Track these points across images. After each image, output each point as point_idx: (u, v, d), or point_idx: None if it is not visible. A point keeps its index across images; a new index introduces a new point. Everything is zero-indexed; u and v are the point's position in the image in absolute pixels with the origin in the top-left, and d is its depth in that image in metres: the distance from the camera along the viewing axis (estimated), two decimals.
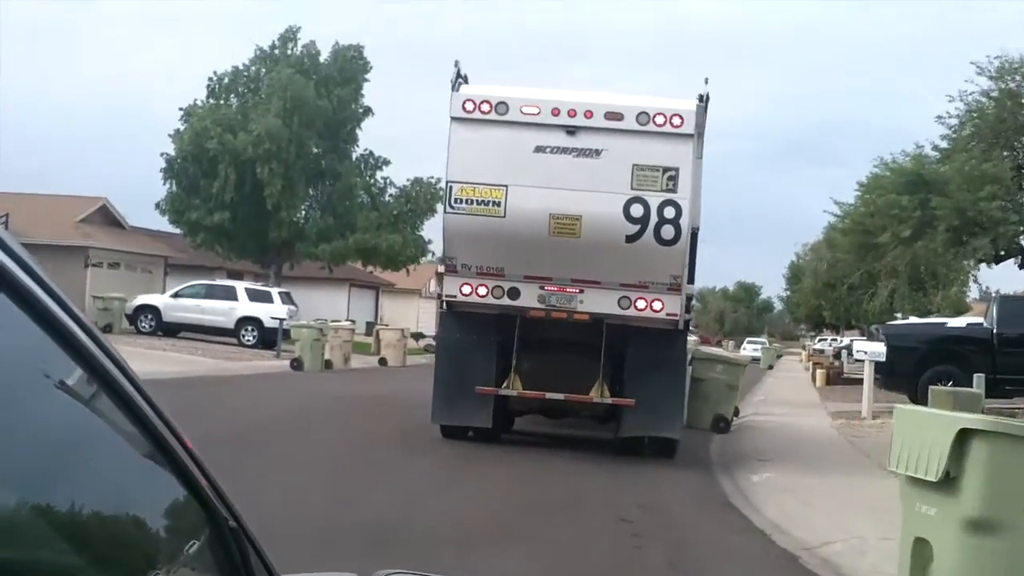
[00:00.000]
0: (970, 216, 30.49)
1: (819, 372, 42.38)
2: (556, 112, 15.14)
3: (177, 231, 49.93)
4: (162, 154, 46.75)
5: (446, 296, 16.02)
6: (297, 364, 31.56)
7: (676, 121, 15.07)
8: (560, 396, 15.87)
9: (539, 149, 15.13)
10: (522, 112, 15.19)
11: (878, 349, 24.37)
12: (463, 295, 15.70)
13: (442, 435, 16.55)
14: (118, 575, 1.45)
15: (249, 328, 39.25)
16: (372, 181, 50.49)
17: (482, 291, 15.59)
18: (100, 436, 1.49)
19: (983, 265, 36.32)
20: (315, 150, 48.20)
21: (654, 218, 14.95)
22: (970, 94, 33.05)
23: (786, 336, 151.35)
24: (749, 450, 16.73)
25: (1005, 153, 33.05)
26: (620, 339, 15.89)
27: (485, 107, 15.23)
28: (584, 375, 15.89)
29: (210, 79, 48.58)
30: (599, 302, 15.46)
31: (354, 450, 15.22)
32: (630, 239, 14.99)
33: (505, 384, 15.97)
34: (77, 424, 1.44)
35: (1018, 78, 32.74)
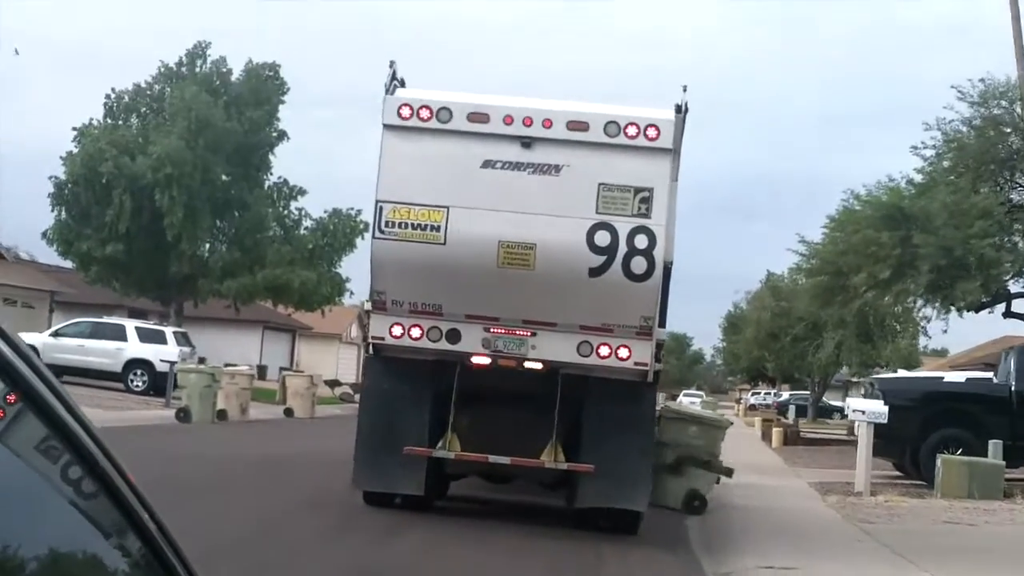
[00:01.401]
0: (958, 256, 28.91)
1: (775, 431, 40.74)
2: (509, 120, 13.56)
3: (69, 264, 47.84)
4: (51, 178, 44.51)
5: (373, 338, 14.31)
6: (184, 415, 29.22)
7: (651, 133, 13.52)
8: (505, 460, 14.25)
9: (488, 164, 13.57)
10: (468, 120, 13.63)
11: (877, 408, 22.16)
12: (393, 337, 14.00)
13: (364, 501, 14.88)
14: None
15: (139, 372, 37.10)
16: (285, 212, 48.52)
17: (416, 333, 13.92)
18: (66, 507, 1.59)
19: (950, 315, 34.59)
20: (223, 177, 46.21)
21: (623, 248, 13.42)
22: (949, 122, 31.61)
23: (715, 389, 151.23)
24: (747, 548, 14.17)
25: (984, 189, 31.64)
26: (578, 392, 14.29)
27: (424, 113, 13.60)
28: (534, 435, 14.28)
29: (107, 96, 46.45)
30: (555, 348, 13.88)
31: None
32: (594, 272, 13.45)
33: (440, 444, 14.28)
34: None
35: (1004, 104, 31.36)
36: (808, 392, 73.77)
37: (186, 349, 37.53)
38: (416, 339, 13.91)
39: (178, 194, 43.03)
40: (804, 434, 43.30)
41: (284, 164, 52.48)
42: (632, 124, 13.50)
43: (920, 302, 33.47)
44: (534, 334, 13.86)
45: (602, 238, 13.39)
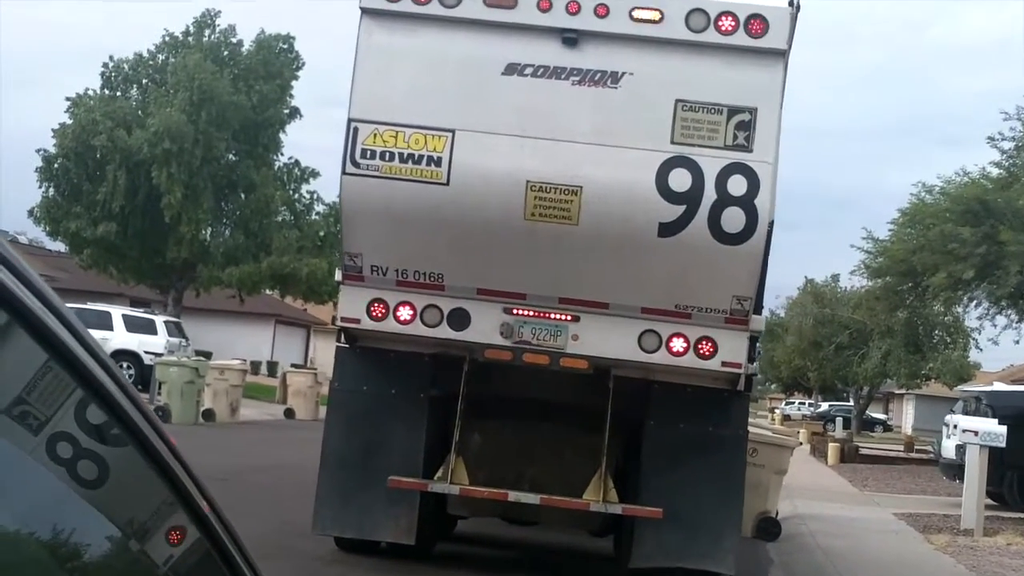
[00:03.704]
0: None
1: (831, 447, 36.64)
2: (546, 5, 9.39)
3: (63, 248, 44.38)
4: (39, 151, 40.61)
5: (344, 320, 10.02)
6: (161, 415, 25.15)
7: (755, 27, 9.31)
8: (533, 499, 10.02)
9: (513, 69, 9.41)
10: (486, 4, 9.41)
11: (993, 429, 17.93)
12: (373, 319, 9.81)
13: (338, 547, 10.98)
14: None
15: (124, 365, 33.08)
16: (296, 196, 44.50)
17: (405, 313, 9.75)
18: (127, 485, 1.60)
19: None
20: (228, 155, 42.25)
21: (710, 194, 9.28)
22: None
23: None
24: None
25: None
26: (638, 403, 10.24)
27: None
28: (574, 463, 10.37)
29: (105, 65, 42.53)
30: (606, 339, 9.72)
31: None
32: (667, 230, 9.29)
33: (440, 473, 10.14)
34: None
35: None
36: (848, 403, 70.61)
37: (175, 340, 33.62)
38: (405, 323, 9.72)
39: (177, 171, 39.15)
40: (862, 450, 39.23)
41: (297, 140, 48.69)
42: (727, 14, 9.24)
43: (993, 309, 30.89)
44: (576, 319, 9.69)
45: (680, 179, 9.23)
